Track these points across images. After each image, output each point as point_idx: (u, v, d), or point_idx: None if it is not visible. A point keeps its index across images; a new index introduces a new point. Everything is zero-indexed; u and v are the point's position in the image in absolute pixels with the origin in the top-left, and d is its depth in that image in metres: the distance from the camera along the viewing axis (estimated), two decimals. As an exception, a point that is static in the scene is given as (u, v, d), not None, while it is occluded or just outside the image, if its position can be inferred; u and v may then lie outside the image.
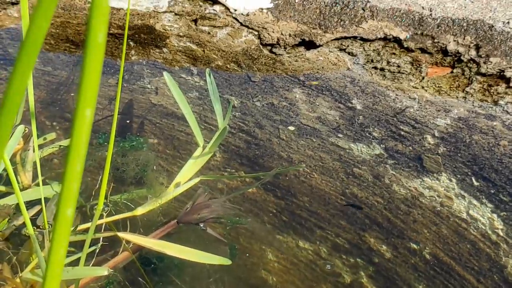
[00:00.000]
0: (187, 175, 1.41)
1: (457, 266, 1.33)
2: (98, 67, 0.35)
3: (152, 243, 1.27)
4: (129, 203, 1.38)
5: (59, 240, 0.46)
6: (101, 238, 1.30)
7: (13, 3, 1.93)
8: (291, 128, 1.60)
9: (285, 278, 1.29)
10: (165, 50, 1.78)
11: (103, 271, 1.17)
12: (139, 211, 1.35)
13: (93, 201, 1.42)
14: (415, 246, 1.36)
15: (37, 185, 1.39)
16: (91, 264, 1.24)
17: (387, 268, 1.32)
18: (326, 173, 1.49)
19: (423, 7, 1.85)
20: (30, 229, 1.10)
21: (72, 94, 1.60)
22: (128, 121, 1.59)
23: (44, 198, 1.29)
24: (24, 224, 1.31)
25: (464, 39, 1.77)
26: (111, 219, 1.32)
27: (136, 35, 1.84)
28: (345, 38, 1.84)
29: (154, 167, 1.48)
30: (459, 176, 1.49)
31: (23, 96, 0.40)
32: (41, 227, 1.28)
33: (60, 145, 1.47)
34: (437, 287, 1.29)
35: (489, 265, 1.32)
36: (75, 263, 1.22)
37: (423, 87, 1.71)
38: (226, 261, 1.25)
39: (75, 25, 1.89)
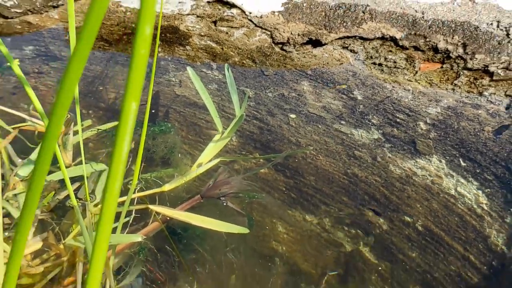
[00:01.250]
0: (207, 157, 1.43)
1: (446, 236, 1.33)
2: (143, 70, 0.37)
3: (178, 214, 1.29)
4: (157, 180, 1.39)
5: (108, 209, 0.48)
6: (134, 210, 1.31)
7: (54, 7, 1.94)
8: (298, 116, 1.60)
9: (293, 248, 1.30)
10: (188, 47, 1.78)
11: (137, 237, 1.19)
12: (167, 187, 1.36)
13: (127, 179, 1.43)
14: (408, 219, 1.37)
15: (76, 164, 1.41)
16: (125, 233, 1.26)
17: (384, 239, 1.32)
18: (330, 155, 1.50)
19: (416, 10, 1.85)
20: (73, 201, 1.11)
21: (106, 87, 1.62)
22: (155, 110, 1.60)
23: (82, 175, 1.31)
24: (65, 198, 1.33)
25: (452, 38, 1.78)
26: (143, 194, 1.34)
27: (163, 35, 1.85)
28: (348, 37, 1.84)
29: (180, 149, 1.49)
30: (448, 157, 1.49)
31: (74, 91, 0.42)
32: (82, 199, 1.29)
33: (98, 129, 1.48)
34: (429, 255, 1.29)
35: (474, 235, 1.33)
36: (112, 231, 1.24)
37: (416, 80, 1.71)
38: (245, 230, 1.27)
39: (109, 26, 1.90)
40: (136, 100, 0.43)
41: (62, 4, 1.94)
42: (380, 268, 1.27)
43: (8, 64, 0.93)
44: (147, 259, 1.25)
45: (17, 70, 0.93)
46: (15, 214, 1.23)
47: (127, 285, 1.20)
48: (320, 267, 1.27)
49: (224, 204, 1.37)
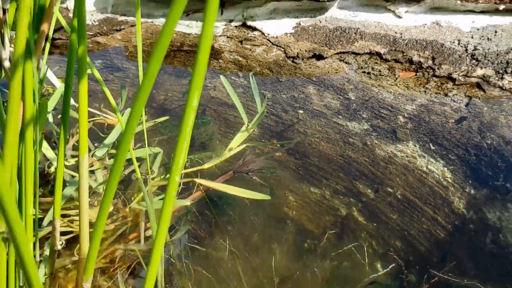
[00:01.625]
0: (236, 143, 1.45)
1: (419, 202, 1.34)
2: (202, 75, 0.40)
3: (216, 185, 1.32)
4: (199, 160, 1.41)
5: (173, 180, 0.52)
6: (181, 183, 1.33)
7: (117, 30, 1.96)
8: (305, 112, 1.61)
9: (300, 212, 1.30)
10: (220, 61, 1.78)
11: (186, 202, 1.22)
12: (206, 165, 1.38)
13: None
14: (390, 189, 1.37)
15: (136, 148, 1.43)
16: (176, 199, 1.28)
17: (370, 205, 1.33)
18: (330, 142, 1.50)
19: (395, 32, 1.86)
20: (138, 174, 1.15)
21: (157, 91, 1.63)
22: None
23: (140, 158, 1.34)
24: (129, 174, 1.35)
25: (424, 53, 1.78)
26: (188, 170, 1.36)
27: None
28: (343, 52, 1.83)
29: (215, 137, 1.51)
30: (421, 143, 1.49)
31: (148, 95, 0.45)
32: (143, 174, 1.32)
33: (155, 121, 1.51)
34: (406, 217, 1.29)
35: (441, 201, 1.33)
36: None
37: (396, 85, 1.70)
38: (267, 197, 1.28)
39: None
40: (197, 96, 0.46)
41: (124, 28, 1.97)
42: (368, 227, 1.27)
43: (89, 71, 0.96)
44: (191, 220, 1.26)
45: (97, 75, 0.96)
46: (93, 185, 1.26)
47: (177, 239, 1.21)
48: (321, 227, 1.27)
49: (251, 177, 1.39)
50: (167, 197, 0.60)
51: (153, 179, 1.32)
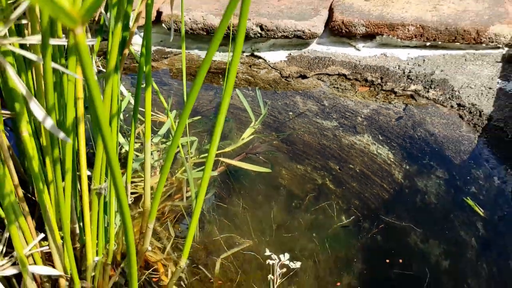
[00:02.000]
0: (247, 134, 1.47)
1: (371, 174, 1.35)
2: (231, 88, 0.43)
3: (234, 162, 1.34)
4: (222, 146, 1.42)
5: (211, 157, 0.54)
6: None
7: (164, 58, 1.99)
8: (294, 113, 1.62)
9: (290, 182, 1.31)
10: (236, 79, 1.80)
11: (214, 173, 1.25)
12: (227, 149, 1.40)
13: (208, 144, 1.44)
14: (351, 166, 1.38)
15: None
16: None
17: (338, 177, 1.33)
18: (311, 134, 1.51)
19: (356, 60, 1.87)
20: (182, 154, 1.18)
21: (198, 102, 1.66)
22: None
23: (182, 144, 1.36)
24: (175, 154, 1.37)
25: (375, 74, 1.80)
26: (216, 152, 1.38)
27: (223, 72, 1.86)
28: (320, 74, 1.83)
29: (233, 130, 1.53)
30: (373, 135, 1.50)
31: (193, 103, 0.47)
32: (185, 154, 1.35)
33: (192, 119, 1.54)
34: (362, 184, 1.30)
35: (386, 174, 1.34)
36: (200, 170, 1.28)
37: (356, 96, 1.69)
38: (269, 170, 1.31)
39: (194, 68, 1.91)
40: (228, 98, 0.49)
41: (169, 56, 1.99)
42: (336, 191, 1.28)
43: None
44: (217, 186, 1.28)
45: (155, 86, 0.99)
46: (152, 161, 1.28)
47: (207, 198, 1.23)
48: (304, 192, 1.28)
49: (258, 157, 1.41)
50: (207, 168, 0.63)
51: (191, 158, 1.35)
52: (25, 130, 0.60)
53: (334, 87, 1.76)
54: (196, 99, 1.62)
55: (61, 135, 0.51)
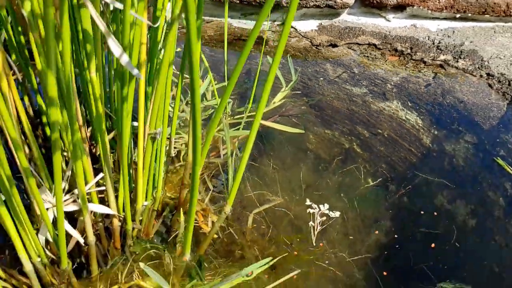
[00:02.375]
0: (278, 98, 1.48)
1: (399, 139, 1.36)
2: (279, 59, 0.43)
3: (268, 123, 1.35)
4: (253, 108, 1.42)
5: (257, 119, 0.55)
6: (243, 122, 1.36)
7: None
8: (324, 80, 1.62)
9: (317, 146, 1.32)
10: (266, 46, 1.78)
11: (247, 132, 1.26)
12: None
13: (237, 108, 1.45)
14: (380, 131, 1.39)
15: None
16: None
17: (366, 141, 1.34)
18: (340, 100, 1.52)
19: (386, 31, 1.86)
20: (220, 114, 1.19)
21: (221, 66, 1.67)
22: (252, 75, 1.61)
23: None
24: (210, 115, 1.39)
25: (405, 45, 1.79)
26: (251, 113, 1.37)
27: (257, 40, 1.85)
28: (350, 43, 1.83)
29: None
30: (401, 101, 1.50)
31: (240, 70, 0.48)
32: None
33: (223, 85, 1.53)
34: (390, 148, 1.31)
35: (414, 138, 1.36)
36: (238, 129, 1.30)
37: (386, 64, 1.69)
38: (302, 131, 1.33)
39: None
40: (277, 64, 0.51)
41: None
42: (363, 155, 1.29)
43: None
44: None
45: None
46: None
47: (238, 157, 1.24)
48: (331, 156, 1.29)
49: (290, 119, 1.42)
50: (254, 126, 0.65)
51: (225, 119, 1.37)
52: (94, 71, 0.64)
53: (364, 56, 1.76)
54: (229, 65, 1.62)
55: (135, 71, 0.55)
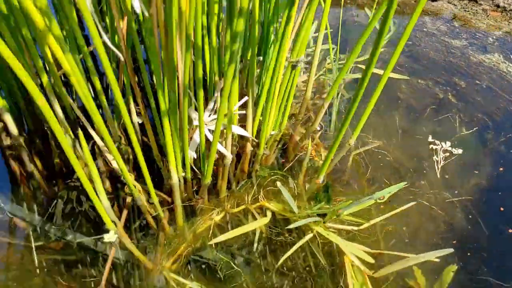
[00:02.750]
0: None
1: (499, 90, 1.33)
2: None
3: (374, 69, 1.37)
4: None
5: (374, 61, 0.57)
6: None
7: None
8: (422, 32, 1.58)
9: (409, 95, 1.28)
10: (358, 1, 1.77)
11: (353, 75, 1.30)
12: (360, 59, 1.39)
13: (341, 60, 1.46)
14: (478, 82, 1.36)
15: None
16: None
17: (462, 92, 1.32)
18: (437, 51, 1.49)
19: None
20: (331, 58, 1.22)
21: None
22: (348, 27, 1.60)
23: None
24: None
25: (507, 1, 1.71)
26: (360, 59, 1.41)
27: None
28: None
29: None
30: (504, 54, 1.47)
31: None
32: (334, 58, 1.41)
33: (332, 48, 1.59)
34: (485, 99, 1.27)
35: None
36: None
37: (487, 19, 1.65)
38: (407, 77, 1.30)
39: None
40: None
41: None
42: (458, 105, 1.27)
43: None
44: (348, 88, 1.29)
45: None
46: None
47: (340, 101, 1.25)
48: (424, 105, 1.26)
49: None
50: (368, 72, 0.65)
51: (327, 64, 1.42)
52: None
53: (465, 10, 1.72)
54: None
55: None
